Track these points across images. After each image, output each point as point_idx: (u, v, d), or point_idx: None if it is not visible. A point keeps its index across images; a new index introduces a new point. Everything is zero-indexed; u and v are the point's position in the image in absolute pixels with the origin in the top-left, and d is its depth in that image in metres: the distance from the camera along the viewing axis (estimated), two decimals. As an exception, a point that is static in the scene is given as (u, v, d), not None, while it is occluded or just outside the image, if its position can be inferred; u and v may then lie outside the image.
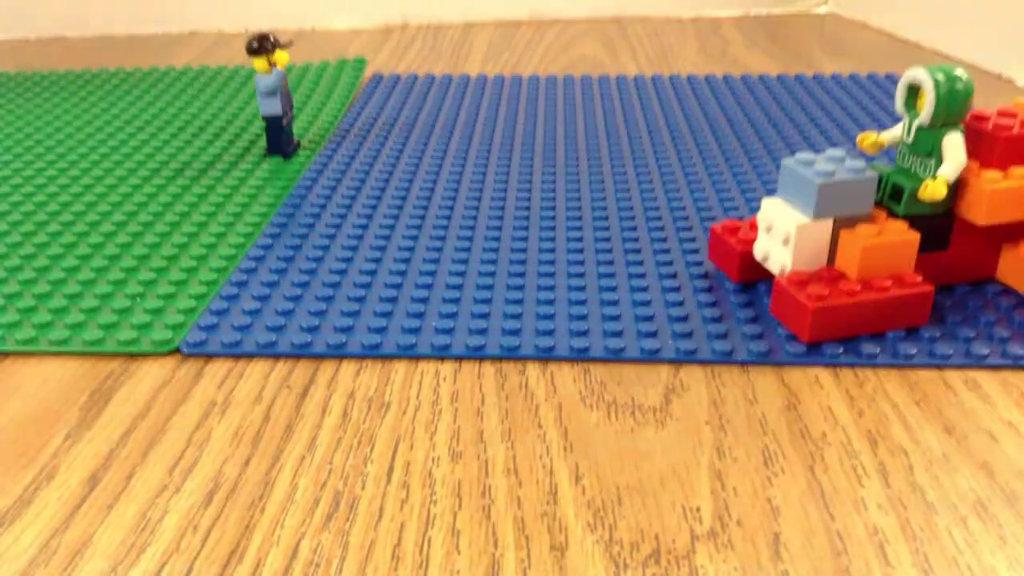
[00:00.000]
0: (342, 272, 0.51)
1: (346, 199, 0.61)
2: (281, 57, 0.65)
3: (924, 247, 0.46)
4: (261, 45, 0.64)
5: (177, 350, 0.45)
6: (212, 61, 1.00)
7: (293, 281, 0.50)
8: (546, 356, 0.43)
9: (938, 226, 0.46)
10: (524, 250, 0.53)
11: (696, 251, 0.52)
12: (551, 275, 0.50)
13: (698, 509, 0.34)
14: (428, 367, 0.43)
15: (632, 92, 0.84)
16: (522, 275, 0.50)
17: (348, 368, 0.43)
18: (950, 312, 0.45)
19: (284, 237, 0.56)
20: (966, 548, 0.32)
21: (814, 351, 0.43)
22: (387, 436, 0.38)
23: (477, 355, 0.43)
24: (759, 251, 0.46)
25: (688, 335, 0.44)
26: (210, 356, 0.44)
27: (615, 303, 0.47)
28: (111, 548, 0.33)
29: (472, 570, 0.31)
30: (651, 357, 0.43)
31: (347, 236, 0.56)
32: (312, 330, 0.45)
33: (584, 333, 0.44)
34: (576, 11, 1.18)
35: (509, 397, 0.41)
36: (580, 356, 0.43)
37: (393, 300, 0.48)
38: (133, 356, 0.45)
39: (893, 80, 0.84)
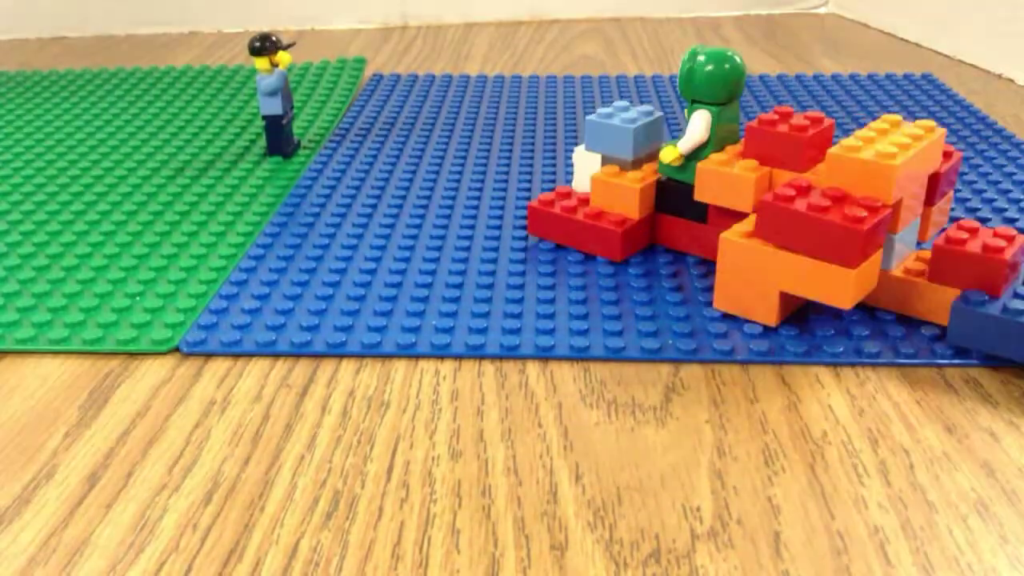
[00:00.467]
0: (342, 271, 0.51)
1: (346, 198, 0.61)
2: (283, 58, 0.65)
3: (686, 215, 0.51)
4: (264, 45, 0.64)
5: (177, 349, 0.45)
6: (212, 61, 1.00)
7: (293, 280, 0.50)
8: (546, 355, 0.43)
9: (691, 195, 0.49)
10: (524, 249, 0.53)
11: (696, 250, 0.52)
12: (551, 274, 0.50)
13: (698, 508, 0.34)
14: (428, 366, 0.43)
15: (633, 92, 0.83)
16: (522, 274, 0.50)
17: (348, 367, 0.43)
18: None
19: (284, 236, 0.56)
20: (967, 547, 0.32)
21: (815, 350, 0.43)
22: (387, 435, 0.38)
23: (477, 354, 0.43)
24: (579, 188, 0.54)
25: (688, 334, 0.44)
26: (210, 355, 0.44)
27: (615, 302, 0.47)
28: (110, 547, 0.33)
29: (472, 569, 0.31)
30: (651, 356, 0.43)
31: (347, 235, 0.56)
32: (312, 329, 0.45)
33: (584, 332, 0.44)
34: (576, 11, 1.18)
35: (509, 396, 0.41)
36: (580, 355, 0.43)
37: (393, 299, 0.48)
38: (133, 355, 0.45)
39: (894, 80, 0.84)
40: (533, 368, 0.43)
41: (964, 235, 0.42)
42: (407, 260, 0.52)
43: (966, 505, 0.34)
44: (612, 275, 0.50)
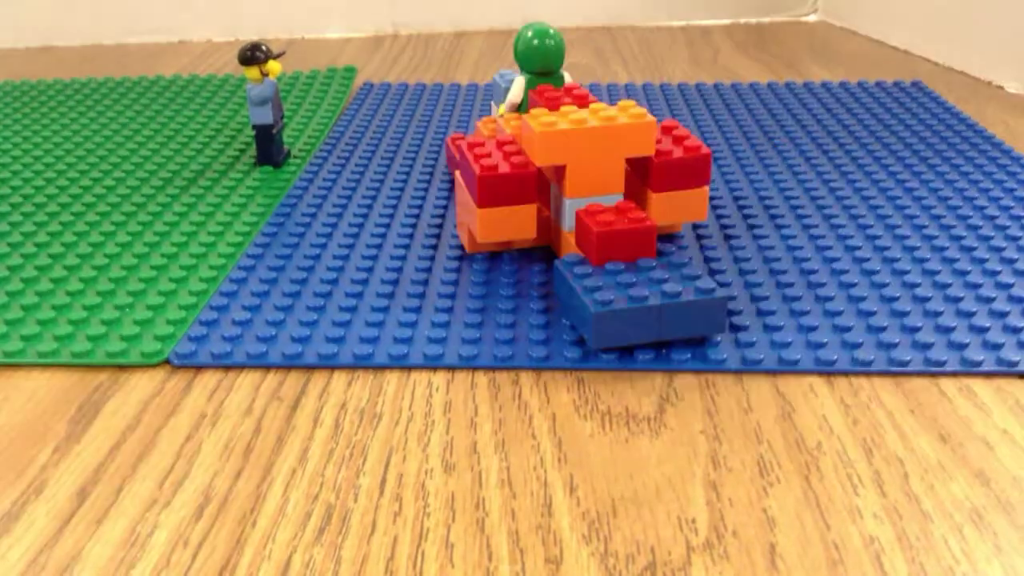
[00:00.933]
0: (333, 282, 0.51)
1: (337, 208, 0.61)
2: (273, 67, 0.65)
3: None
4: (254, 55, 0.64)
5: (166, 361, 0.44)
6: (202, 70, 1.00)
7: (283, 291, 0.50)
8: (539, 366, 0.43)
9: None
10: (516, 259, 0.53)
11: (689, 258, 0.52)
12: (544, 284, 0.50)
13: (693, 520, 0.34)
14: (420, 377, 0.43)
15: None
16: (514, 284, 0.50)
17: (339, 379, 0.43)
18: (944, 318, 0.45)
19: (274, 246, 0.55)
20: (962, 557, 0.32)
21: (809, 359, 0.43)
22: (379, 448, 0.38)
23: (470, 365, 0.43)
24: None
25: (682, 343, 0.44)
26: (200, 367, 0.44)
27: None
28: (100, 563, 0.32)
29: (466, 583, 0.31)
30: (645, 366, 0.43)
31: (338, 245, 0.55)
32: (303, 340, 0.45)
33: (577, 342, 0.44)
34: (567, 20, 1.18)
35: (503, 407, 0.41)
36: (574, 366, 0.43)
37: (385, 310, 0.48)
38: (122, 368, 0.44)
39: (884, 88, 0.84)
40: (527, 379, 0.42)
41: (605, 216, 0.47)
42: (399, 270, 0.52)
43: (961, 515, 0.34)
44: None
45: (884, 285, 0.49)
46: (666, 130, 0.53)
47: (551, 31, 0.56)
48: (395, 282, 0.50)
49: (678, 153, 0.50)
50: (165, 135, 0.77)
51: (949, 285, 0.48)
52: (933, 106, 0.78)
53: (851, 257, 0.52)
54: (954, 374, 0.42)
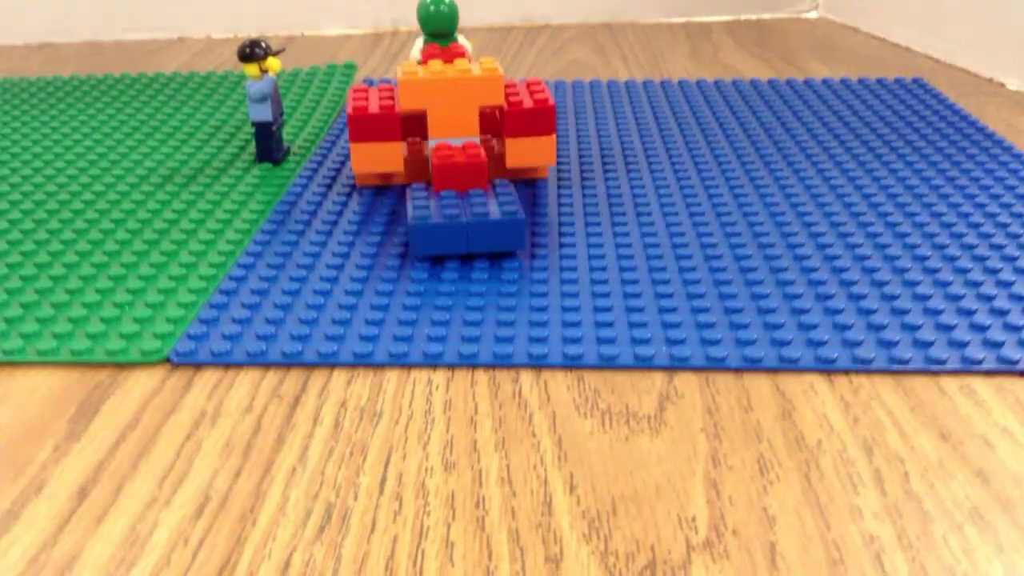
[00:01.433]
0: (333, 280, 0.51)
1: (336, 205, 0.61)
2: (273, 64, 0.65)
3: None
4: (253, 51, 0.64)
5: (166, 360, 0.44)
6: (201, 67, 1.00)
7: (283, 289, 0.50)
8: (539, 364, 0.43)
9: None
10: (516, 256, 0.53)
11: (689, 256, 0.52)
12: (543, 282, 0.50)
13: (694, 519, 0.34)
14: (420, 376, 0.43)
15: (624, 97, 0.83)
16: (515, 282, 0.50)
17: (339, 377, 0.43)
18: (945, 316, 0.45)
19: (274, 244, 0.55)
20: (963, 556, 0.32)
21: (809, 357, 0.43)
22: (379, 446, 0.38)
23: (470, 363, 0.43)
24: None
25: (681, 341, 0.44)
26: (200, 365, 0.44)
27: (608, 309, 0.47)
28: (100, 562, 0.32)
29: (466, 582, 0.31)
30: (645, 364, 0.43)
31: (337, 242, 0.55)
32: (303, 339, 0.45)
33: (577, 340, 0.44)
34: (567, 16, 1.18)
35: (503, 406, 0.40)
36: (573, 363, 0.43)
37: (384, 308, 0.48)
38: (122, 366, 0.44)
39: (884, 85, 0.84)
40: (526, 377, 0.42)
41: (449, 152, 0.56)
42: (398, 268, 0.52)
43: (961, 514, 0.34)
44: (605, 282, 0.49)
45: (884, 283, 0.49)
46: (530, 86, 0.61)
47: (444, 2, 0.63)
48: (394, 280, 0.50)
49: (528, 104, 0.59)
50: (164, 132, 0.77)
51: (949, 283, 0.48)
52: (934, 103, 0.78)
53: (851, 255, 0.52)
54: (954, 372, 0.42)
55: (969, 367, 0.42)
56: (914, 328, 0.44)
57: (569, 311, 0.47)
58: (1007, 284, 0.48)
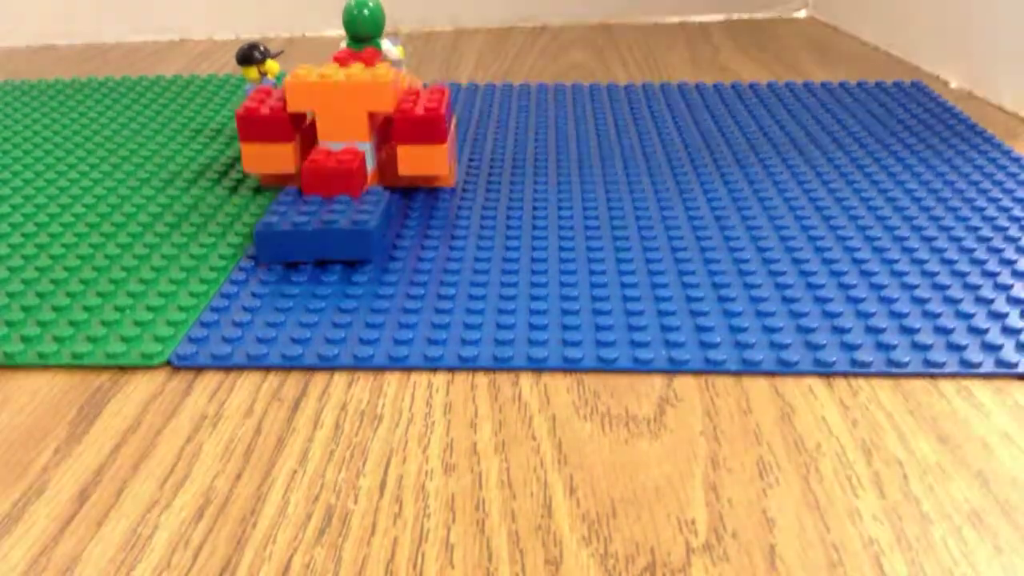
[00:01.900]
0: (333, 283, 0.51)
1: (337, 209, 0.61)
2: (272, 67, 0.65)
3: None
4: (252, 55, 0.64)
5: (167, 363, 0.44)
6: (202, 70, 1.00)
7: (283, 292, 0.50)
8: (539, 367, 0.43)
9: None
10: (516, 260, 0.53)
11: (688, 260, 0.52)
12: (543, 285, 0.50)
13: (693, 521, 0.34)
14: (420, 379, 0.43)
15: (623, 100, 0.84)
16: (514, 285, 0.50)
17: (340, 380, 0.43)
18: (943, 319, 0.45)
19: (275, 247, 0.55)
20: (961, 559, 0.32)
21: (808, 360, 0.43)
22: (380, 449, 0.38)
23: (470, 366, 0.43)
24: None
25: (681, 344, 0.44)
26: (200, 368, 0.44)
27: (608, 312, 0.47)
28: (101, 565, 0.32)
29: (466, 585, 0.31)
30: (644, 367, 0.43)
31: (338, 246, 0.55)
32: (303, 342, 0.45)
33: (577, 343, 0.44)
34: (565, 18, 1.18)
35: (502, 409, 0.41)
36: (573, 367, 0.43)
37: (384, 311, 0.48)
38: (123, 369, 0.44)
39: (883, 88, 0.84)
40: (526, 380, 0.43)
41: (322, 156, 0.56)
42: (399, 271, 0.52)
43: (960, 516, 0.34)
44: (604, 285, 0.50)
45: (883, 286, 0.49)
46: (432, 94, 0.60)
47: (370, 4, 0.62)
48: (394, 283, 0.50)
49: (418, 112, 0.57)
50: (165, 135, 0.77)
51: (948, 286, 0.49)
52: (933, 106, 0.78)
53: (850, 258, 0.52)
54: (953, 375, 0.42)
55: (968, 370, 0.42)
56: (913, 331, 0.45)
57: (568, 314, 0.47)
58: (1006, 287, 0.48)
